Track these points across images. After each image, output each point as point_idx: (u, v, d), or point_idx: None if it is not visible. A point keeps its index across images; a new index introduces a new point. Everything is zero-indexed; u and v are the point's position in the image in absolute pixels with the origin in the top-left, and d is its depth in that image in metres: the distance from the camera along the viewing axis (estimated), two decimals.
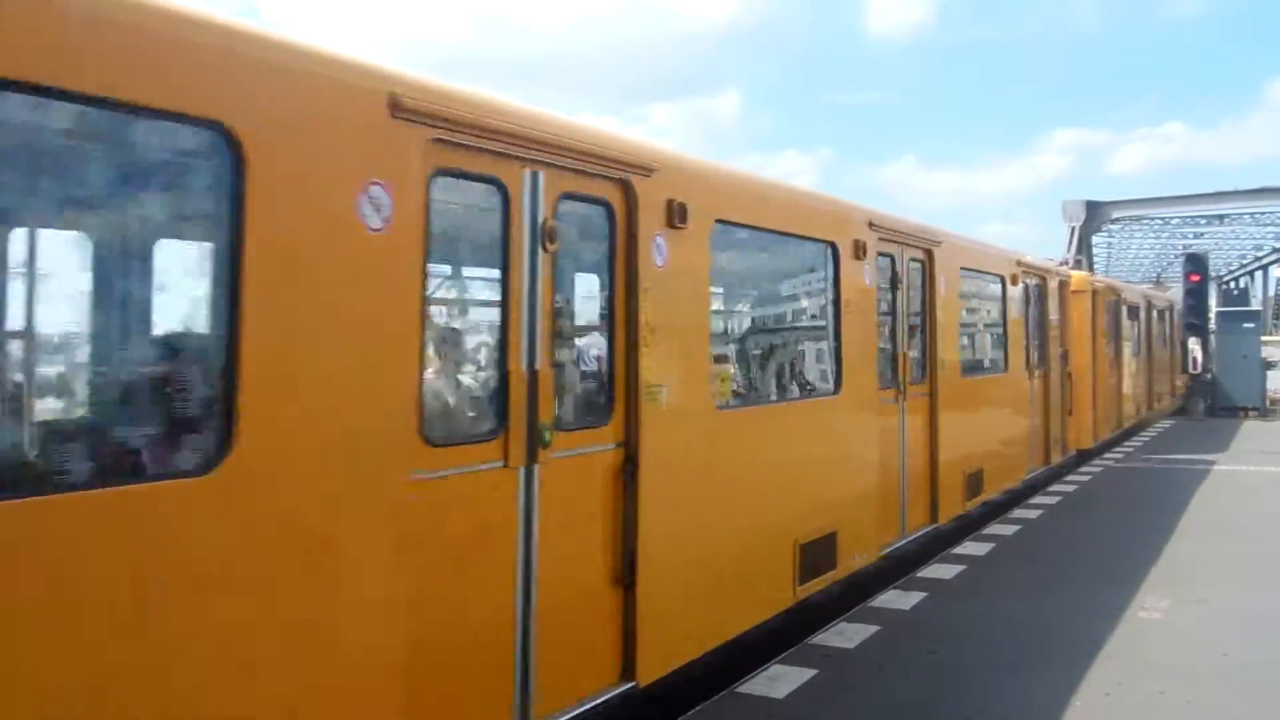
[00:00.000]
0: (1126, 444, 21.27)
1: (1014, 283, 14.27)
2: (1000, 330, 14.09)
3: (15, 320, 4.39)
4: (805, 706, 6.39)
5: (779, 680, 6.78)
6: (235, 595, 3.87)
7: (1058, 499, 14.20)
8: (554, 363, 5.64)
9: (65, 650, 3.38)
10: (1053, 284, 16.61)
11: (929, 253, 11.18)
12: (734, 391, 8.48)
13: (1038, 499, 14.18)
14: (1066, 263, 26.30)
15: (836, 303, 9.06)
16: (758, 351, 9.36)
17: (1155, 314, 27.42)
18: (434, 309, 5.38)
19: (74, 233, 4.82)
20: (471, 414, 5.71)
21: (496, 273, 5.41)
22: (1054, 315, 16.57)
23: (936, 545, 10.94)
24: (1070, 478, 16.16)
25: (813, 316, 9.64)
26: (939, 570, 9.95)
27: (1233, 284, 50.04)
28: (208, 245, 4.33)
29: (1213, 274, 42.78)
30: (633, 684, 6.03)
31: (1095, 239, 44.46)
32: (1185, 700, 6.49)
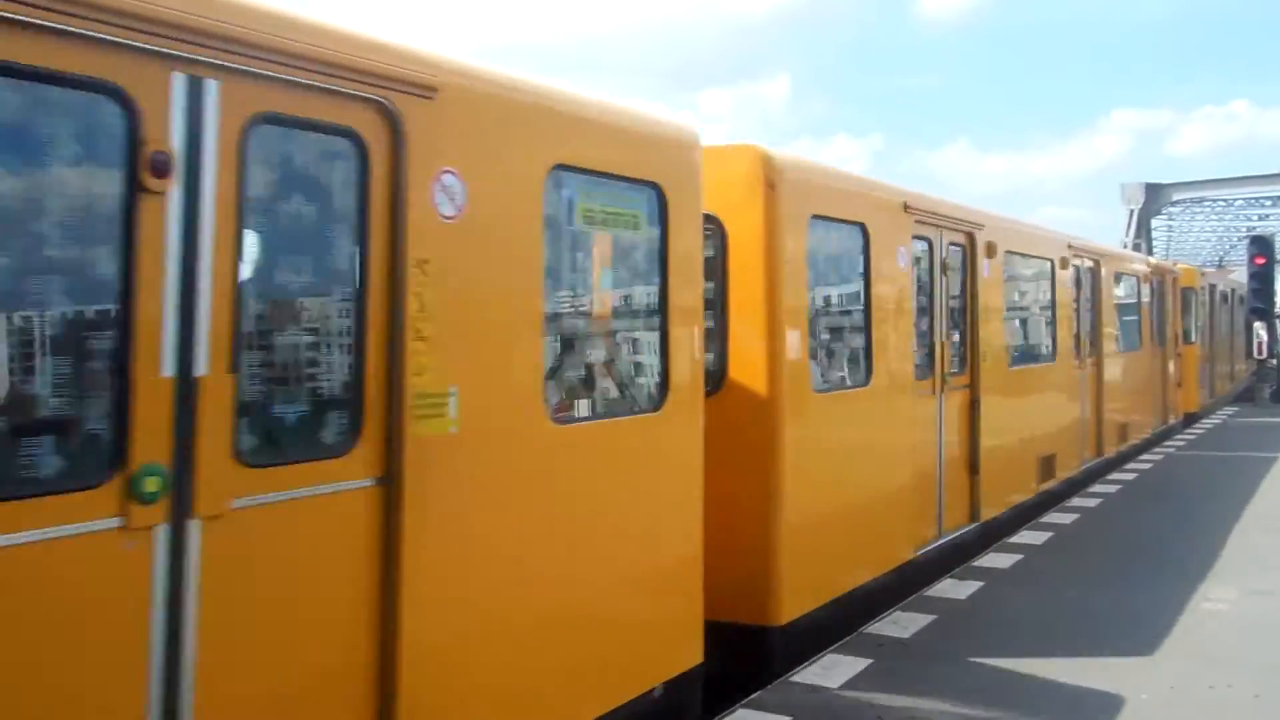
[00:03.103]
0: (1189, 431, 20.84)
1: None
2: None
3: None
4: (860, 695, 6.33)
5: (833, 669, 6.72)
6: None
7: (1117, 488, 13.93)
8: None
9: None
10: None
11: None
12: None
13: (1097, 487, 13.92)
14: (1125, 246, 27.02)
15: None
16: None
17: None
18: None
19: None
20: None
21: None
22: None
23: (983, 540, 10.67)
24: (1130, 466, 15.86)
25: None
26: (996, 559, 9.80)
27: None
28: None
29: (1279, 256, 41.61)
30: None
31: (1155, 222, 43.48)
32: (1253, 695, 6.33)
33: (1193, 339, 22.74)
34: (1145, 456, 16.94)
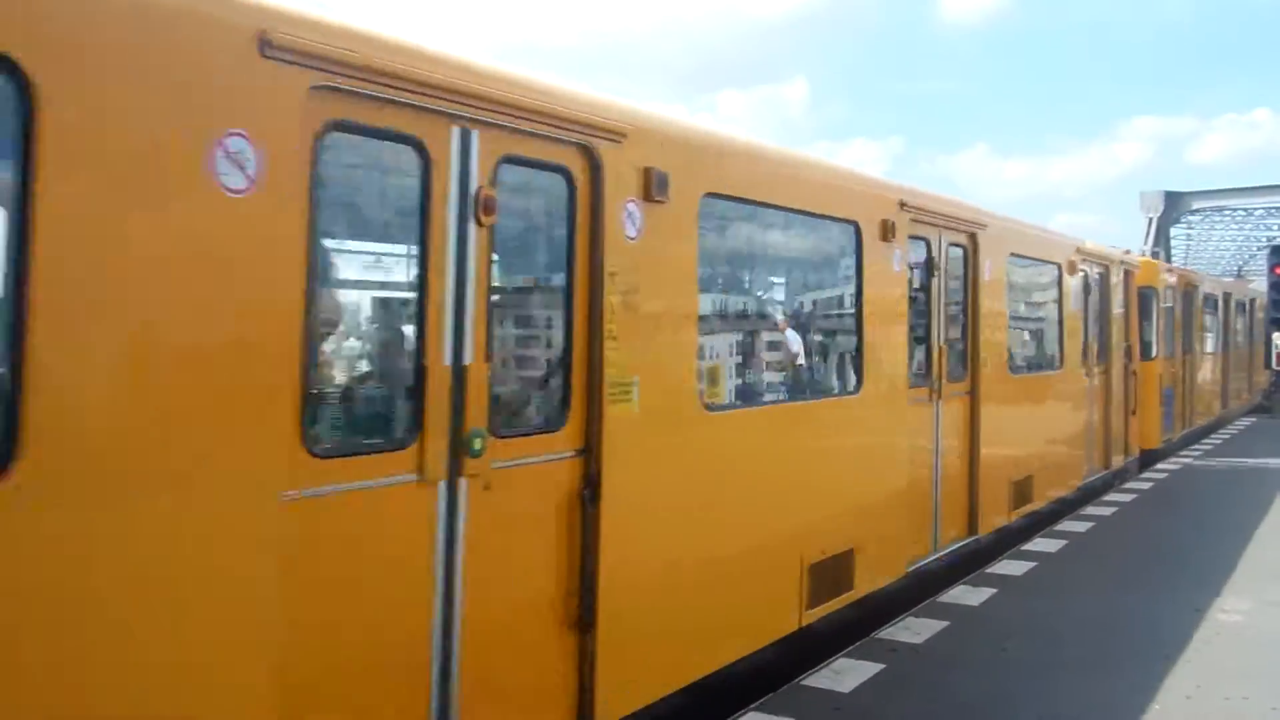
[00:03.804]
0: (1205, 441, 20.67)
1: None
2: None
3: None
4: (871, 701, 6.29)
5: (845, 674, 6.69)
6: None
7: (1132, 496, 13.83)
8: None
9: None
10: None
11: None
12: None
13: (1111, 496, 13.83)
14: (1144, 254, 25.12)
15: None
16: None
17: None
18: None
19: None
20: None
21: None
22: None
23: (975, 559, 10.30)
24: (1146, 475, 15.74)
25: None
26: (1009, 566, 9.74)
27: None
28: None
29: None
30: None
31: (1174, 230, 43.33)
32: (1270, 707, 6.26)
33: (1153, 353, 17.80)
34: (1034, 546, 10.69)
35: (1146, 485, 14.81)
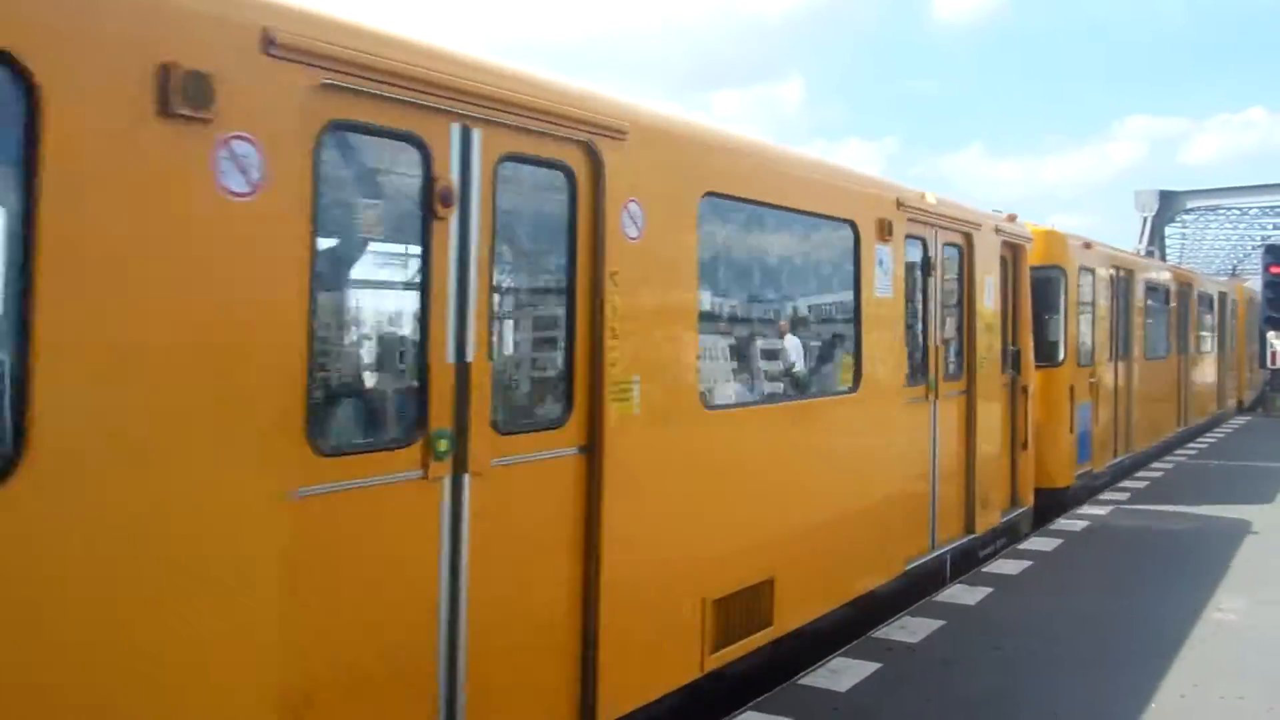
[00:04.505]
0: (1201, 439, 20.69)
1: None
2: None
3: None
4: (867, 700, 6.30)
5: (841, 673, 6.69)
6: None
7: (1127, 494, 13.86)
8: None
9: None
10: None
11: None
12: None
13: (1107, 494, 13.85)
14: (1138, 253, 24.44)
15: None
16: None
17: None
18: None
19: None
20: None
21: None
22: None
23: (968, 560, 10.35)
24: (1141, 474, 15.76)
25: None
26: (1005, 566, 9.75)
27: None
28: None
29: None
30: None
31: (1168, 230, 43.42)
32: (1267, 707, 6.27)
33: (1061, 357, 13.27)
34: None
35: (1158, 474, 14.82)
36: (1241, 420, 25.48)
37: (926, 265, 9.47)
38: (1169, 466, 16.68)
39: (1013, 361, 11.16)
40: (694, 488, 6.04)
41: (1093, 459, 14.34)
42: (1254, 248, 47.95)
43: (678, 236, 6.00)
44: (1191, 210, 43.15)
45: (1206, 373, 23.40)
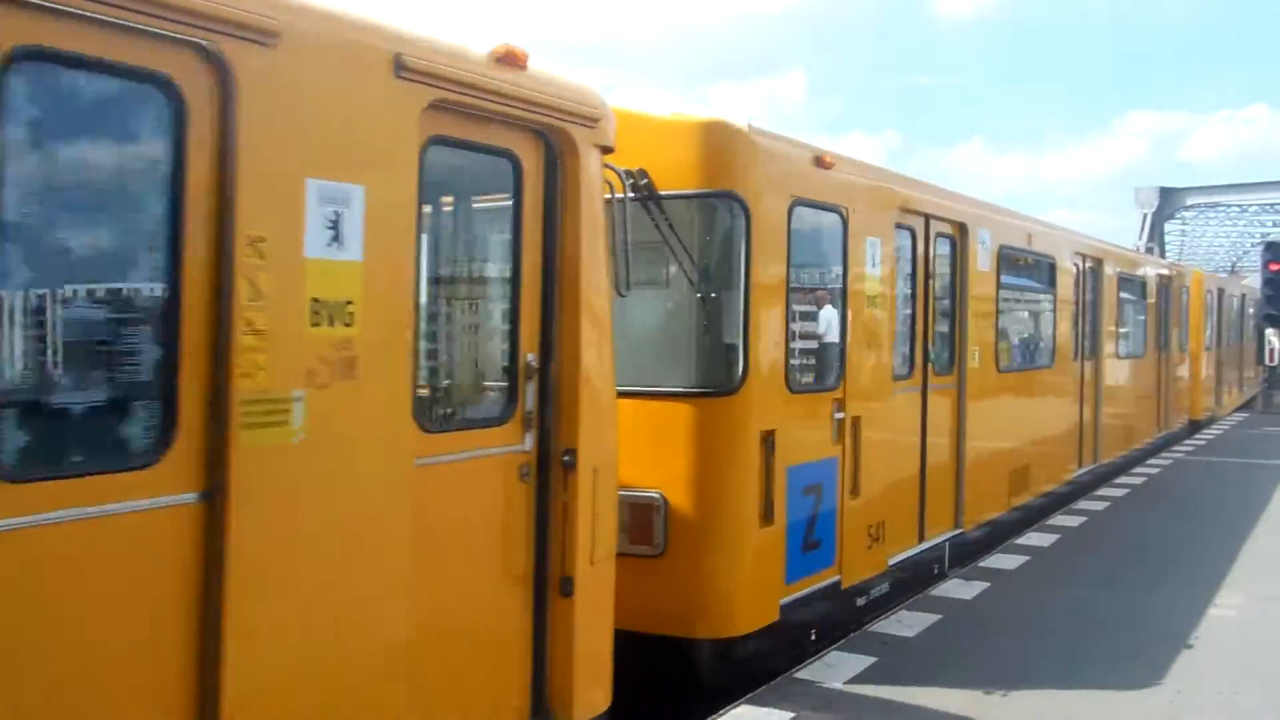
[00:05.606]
0: (1198, 436, 20.71)
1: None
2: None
3: None
4: (864, 694, 6.30)
5: (837, 666, 6.70)
6: None
7: (1124, 491, 13.87)
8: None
9: None
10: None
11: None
12: None
13: (1104, 490, 13.86)
14: (1138, 249, 24.59)
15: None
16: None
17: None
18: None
19: None
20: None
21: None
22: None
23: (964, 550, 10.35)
24: (1138, 470, 15.76)
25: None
26: (1002, 560, 9.75)
27: None
28: None
29: None
30: None
31: (1168, 226, 43.40)
32: (1260, 702, 6.29)
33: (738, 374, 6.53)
34: None
35: (1155, 470, 14.78)
36: (1188, 450, 17.83)
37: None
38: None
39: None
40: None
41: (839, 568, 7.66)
42: (1253, 245, 47.97)
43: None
44: (1191, 207, 43.17)
45: (1120, 384, 15.84)
